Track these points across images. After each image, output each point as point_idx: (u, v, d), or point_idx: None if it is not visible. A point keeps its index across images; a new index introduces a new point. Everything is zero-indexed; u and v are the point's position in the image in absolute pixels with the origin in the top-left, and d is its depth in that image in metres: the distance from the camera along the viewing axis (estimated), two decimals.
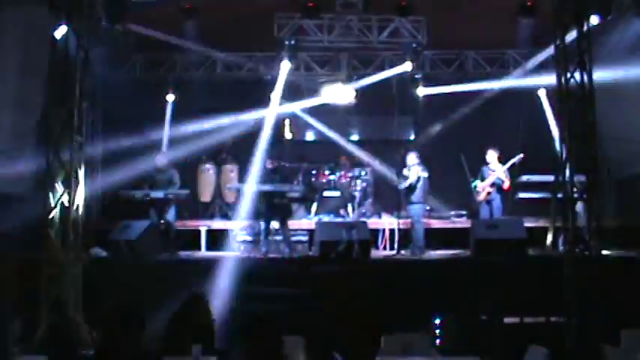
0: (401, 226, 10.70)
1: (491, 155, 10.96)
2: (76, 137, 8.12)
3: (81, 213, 8.14)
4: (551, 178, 9.92)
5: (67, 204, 7.95)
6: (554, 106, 8.16)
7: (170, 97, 12.86)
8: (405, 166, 10.70)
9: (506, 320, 8.22)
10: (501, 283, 8.52)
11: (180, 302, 5.38)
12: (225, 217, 12.13)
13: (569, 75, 7.87)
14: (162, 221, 10.44)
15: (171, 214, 10.51)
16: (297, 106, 13.02)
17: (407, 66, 12.42)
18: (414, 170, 10.49)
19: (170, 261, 9.82)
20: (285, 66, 12.34)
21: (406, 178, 10.54)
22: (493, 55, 12.91)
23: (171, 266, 9.37)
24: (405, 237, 10.69)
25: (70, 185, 7.98)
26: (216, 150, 12.72)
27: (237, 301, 8.38)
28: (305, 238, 10.79)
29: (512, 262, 8.97)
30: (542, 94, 12.12)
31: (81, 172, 8.24)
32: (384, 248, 11.02)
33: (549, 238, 9.93)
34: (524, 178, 10.69)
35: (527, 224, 9.99)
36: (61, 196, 7.95)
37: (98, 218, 11.84)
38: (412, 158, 10.68)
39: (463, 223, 11.42)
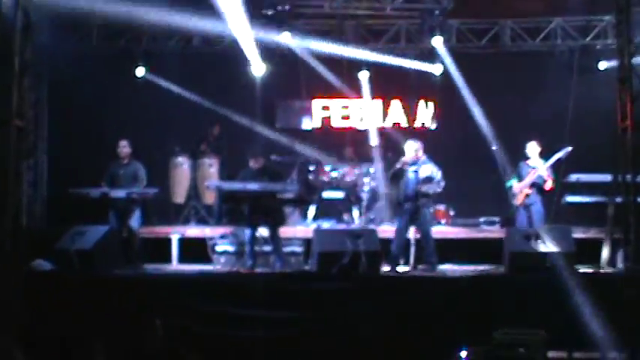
0: (418, 236, 10.60)
1: (532, 148, 10.85)
2: (15, 122, 8.04)
3: (21, 216, 8.02)
4: (607, 177, 9.81)
5: (3, 205, 7.88)
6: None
7: (140, 71, 12.95)
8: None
9: (551, 355, 8.06)
10: (543, 308, 8.37)
11: None
12: (203, 222, 12.10)
13: (632, 49, 7.72)
14: (125, 227, 10.39)
15: (135, 219, 10.46)
16: None
17: (437, 41, 12.43)
18: (434, 168, 10.34)
19: (133, 276, 9.68)
20: (286, 37, 12.33)
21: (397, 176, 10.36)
22: (536, 24, 12.77)
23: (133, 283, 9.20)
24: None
25: (6, 182, 7.93)
26: (195, 140, 12.75)
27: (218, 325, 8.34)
28: (300, 249, 10.71)
29: (557, 282, 8.65)
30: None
31: (22, 166, 8.12)
32: None
33: (605, 252, 9.76)
34: (574, 177, 10.60)
35: (576, 235, 9.85)
36: None
37: (43, 223, 11.80)
38: (413, 150, 10.34)
39: (495, 232, 11.39)
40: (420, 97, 13.65)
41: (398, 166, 10.31)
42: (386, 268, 10.00)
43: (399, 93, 13.69)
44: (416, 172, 10.25)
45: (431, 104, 13.76)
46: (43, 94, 12.08)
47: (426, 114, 13.73)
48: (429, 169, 10.29)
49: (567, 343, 8.25)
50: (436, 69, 12.98)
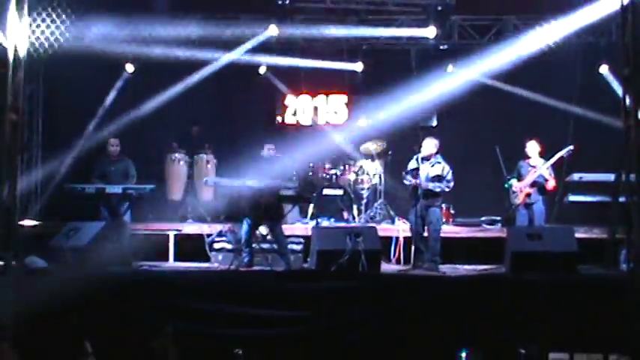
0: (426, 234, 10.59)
1: (532, 147, 10.88)
2: (9, 115, 7.85)
3: (14, 212, 7.93)
4: (611, 176, 9.77)
5: None
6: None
7: (129, 68, 12.89)
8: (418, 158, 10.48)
9: (552, 356, 8.11)
10: (545, 308, 8.39)
11: None
12: (200, 218, 12.07)
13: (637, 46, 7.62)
14: (118, 223, 10.46)
15: (128, 215, 10.62)
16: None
17: (430, 32, 12.36)
18: (446, 167, 10.35)
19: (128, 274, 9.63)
20: (273, 31, 12.27)
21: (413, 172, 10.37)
22: (540, 20, 12.60)
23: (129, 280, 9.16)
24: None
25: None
26: (188, 135, 12.78)
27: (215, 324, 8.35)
28: (299, 247, 10.69)
29: (560, 282, 8.76)
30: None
31: (14, 161, 8.01)
32: (398, 261, 10.93)
33: (608, 252, 9.74)
34: (576, 176, 10.51)
35: (578, 234, 9.84)
36: None
37: (36, 219, 11.62)
38: (432, 147, 10.39)
39: (496, 231, 11.36)
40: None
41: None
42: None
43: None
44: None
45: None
46: (38, 87, 12.10)
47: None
48: (440, 168, 10.31)
49: (569, 344, 8.20)
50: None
